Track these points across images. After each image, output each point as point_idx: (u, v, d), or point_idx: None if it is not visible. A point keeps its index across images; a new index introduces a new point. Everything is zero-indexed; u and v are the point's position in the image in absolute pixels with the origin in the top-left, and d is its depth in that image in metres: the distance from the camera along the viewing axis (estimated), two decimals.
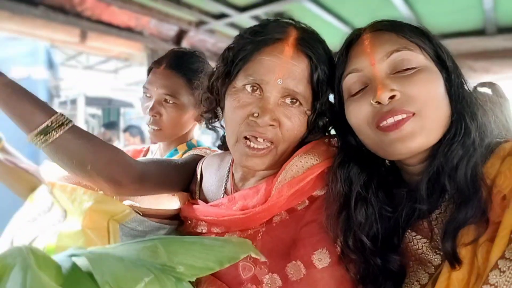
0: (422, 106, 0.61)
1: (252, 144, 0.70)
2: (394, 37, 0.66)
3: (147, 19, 1.99)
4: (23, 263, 0.30)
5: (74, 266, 0.39)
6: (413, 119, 0.61)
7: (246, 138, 0.71)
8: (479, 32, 1.90)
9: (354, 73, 0.67)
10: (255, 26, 0.75)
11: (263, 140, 0.70)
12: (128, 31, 1.98)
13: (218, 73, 0.76)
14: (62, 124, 0.71)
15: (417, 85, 0.62)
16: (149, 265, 0.37)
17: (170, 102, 1.11)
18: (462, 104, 0.65)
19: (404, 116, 0.61)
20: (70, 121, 0.73)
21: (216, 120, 0.85)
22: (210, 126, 0.90)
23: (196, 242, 0.53)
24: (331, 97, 0.79)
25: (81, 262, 0.40)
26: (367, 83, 0.66)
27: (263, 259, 0.63)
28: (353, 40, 0.71)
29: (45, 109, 0.71)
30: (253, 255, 0.53)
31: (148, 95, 1.14)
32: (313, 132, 0.76)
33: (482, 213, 0.58)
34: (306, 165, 0.73)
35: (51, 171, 0.96)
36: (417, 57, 0.64)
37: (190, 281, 0.73)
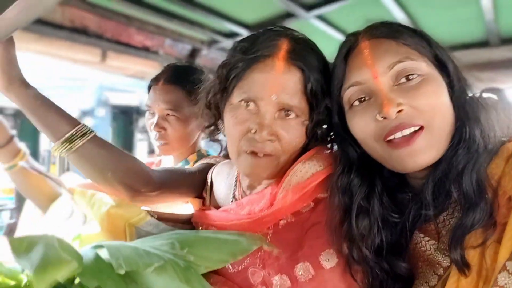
0: (430, 118, 0.60)
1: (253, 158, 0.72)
2: (394, 46, 0.64)
3: (162, 39, 2.10)
4: (47, 243, 0.34)
5: (97, 256, 0.42)
6: (423, 134, 0.60)
7: (247, 151, 0.73)
8: (483, 44, 1.91)
9: (355, 86, 0.66)
10: (244, 41, 0.76)
11: (263, 155, 0.72)
12: (144, 51, 2.09)
13: (215, 90, 0.79)
14: (85, 133, 0.77)
15: (424, 97, 0.61)
16: (162, 254, 0.41)
17: (173, 116, 1.15)
18: (465, 109, 0.63)
19: (413, 129, 0.60)
20: (92, 131, 0.79)
21: (219, 132, 0.87)
22: (213, 139, 0.93)
23: (211, 236, 0.55)
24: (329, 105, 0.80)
25: (103, 253, 0.43)
26: (370, 95, 0.65)
27: (275, 251, 0.65)
28: (350, 49, 0.68)
29: (70, 119, 0.77)
30: (265, 248, 0.55)
31: (151, 111, 1.18)
32: (314, 140, 0.77)
33: (489, 216, 0.57)
34: (310, 171, 0.74)
35: (72, 180, 1.02)
36: (419, 66, 0.62)
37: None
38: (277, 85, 0.69)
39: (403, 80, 0.63)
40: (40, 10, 0.55)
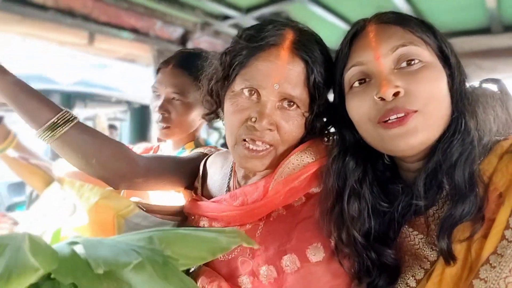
0: (425, 104, 0.61)
1: (250, 146, 0.72)
2: (400, 31, 0.64)
3: (153, 21, 2.03)
4: (16, 245, 0.32)
5: (73, 252, 0.41)
6: (416, 116, 0.61)
7: (244, 140, 0.72)
8: (485, 31, 1.89)
9: (357, 66, 0.66)
10: (250, 29, 0.75)
11: (262, 143, 0.72)
12: (134, 33, 2.02)
13: (217, 77, 0.78)
14: (68, 120, 0.74)
15: (421, 82, 0.61)
16: (140, 251, 0.39)
17: (178, 100, 1.14)
18: (463, 101, 0.64)
19: (407, 114, 0.61)
20: (75, 117, 0.75)
21: (219, 120, 0.87)
22: (213, 126, 0.92)
23: (191, 234, 0.54)
24: (331, 93, 0.79)
25: (79, 249, 0.42)
26: (370, 76, 0.65)
27: (256, 246, 0.65)
28: (357, 32, 0.69)
29: (52, 106, 0.74)
30: (245, 245, 0.55)
31: (157, 94, 1.18)
32: (312, 132, 0.77)
33: (478, 210, 0.58)
34: (302, 163, 0.75)
35: (63, 167, 0.99)
36: (422, 53, 0.63)
37: (188, 273, 0.76)
38: (280, 74, 0.69)
39: (404, 64, 0.63)
40: None
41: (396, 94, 0.61)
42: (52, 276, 0.38)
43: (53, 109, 0.73)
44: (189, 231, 0.59)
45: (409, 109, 0.61)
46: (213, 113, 0.84)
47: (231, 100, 0.74)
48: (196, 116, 1.19)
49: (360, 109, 0.66)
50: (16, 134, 0.97)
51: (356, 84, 0.67)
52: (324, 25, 1.89)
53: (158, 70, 1.20)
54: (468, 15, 1.79)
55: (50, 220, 0.92)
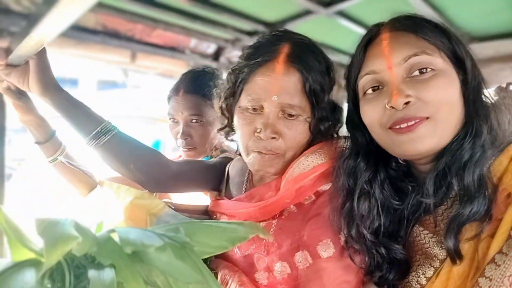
0: (436, 111, 0.62)
1: (260, 154, 0.78)
2: (413, 39, 0.65)
3: (188, 39, 2.18)
4: (63, 223, 0.41)
5: (111, 238, 0.49)
6: (426, 123, 0.62)
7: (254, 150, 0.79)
8: None
9: (370, 74, 0.68)
10: (250, 48, 0.82)
11: (268, 152, 0.78)
12: (172, 50, 2.19)
13: (226, 95, 0.85)
14: (110, 130, 0.85)
15: (433, 90, 0.62)
16: (162, 237, 0.47)
17: (197, 122, 1.21)
18: (476, 106, 0.64)
19: (417, 120, 0.62)
20: (116, 127, 0.87)
21: (234, 132, 0.94)
22: (229, 139, 0.99)
23: (213, 225, 0.61)
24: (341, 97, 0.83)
25: (115, 236, 0.50)
26: (383, 84, 0.67)
27: (271, 239, 0.70)
28: (371, 38, 0.70)
29: (96, 118, 0.86)
30: (261, 236, 0.60)
31: (174, 121, 1.25)
32: (318, 135, 0.82)
33: (486, 210, 0.59)
34: (312, 164, 0.79)
35: (103, 173, 1.11)
36: (434, 61, 0.63)
37: (211, 268, 0.83)
38: (277, 86, 0.74)
39: (416, 73, 0.64)
40: (62, 27, 0.62)
41: (407, 103, 0.63)
42: (96, 261, 0.47)
43: (98, 120, 0.85)
44: (212, 223, 0.66)
45: (420, 116, 0.62)
46: (227, 127, 0.91)
47: (239, 115, 0.81)
48: (216, 131, 1.26)
49: (372, 115, 0.68)
50: (66, 145, 1.08)
51: (370, 91, 0.69)
52: (350, 35, 1.91)
53: (169, 99, 1.26)
54: (500, 18, 1.72)
55: (93, 217, 1.03)
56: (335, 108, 0.83)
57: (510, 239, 0.55)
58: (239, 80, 0.80)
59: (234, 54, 2.47)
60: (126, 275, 0.44)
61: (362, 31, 1.89)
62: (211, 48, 2.40)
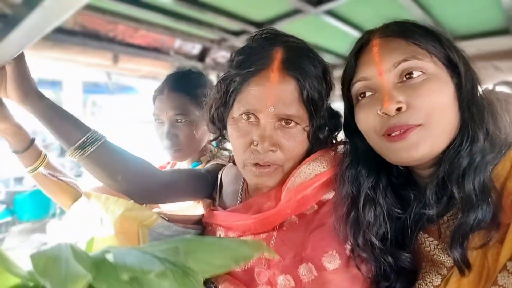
0: (428, 117, 0.61)
1: (257, 167, 0.74)
2: (403, 44, 0.64)
3: (173, 40, 2.12)
4: (64, 256, 0.36)
5: (106, 260, 0.44)
6: (418, 130, 0.61)
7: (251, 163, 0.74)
8: (502, 32, 1.84)
9: (362, 81, 0.67)
10: (240, 54, 0.76)
11: (267, 165, 0.73)
12: (155, 52, 2.12)
13: (216, 104, 0.80)
14: (96, 139, 0.79)
15: (424, 96, 0.61)
16: (164, 260, 0.42)
17: (182, 121, 1.16)
18: (471, 110, 0.63)
19: (410, 128, 0.61)
20: (103, 136, 0.81)
21: (225, 142, 0.89)
22: (221, 147, 0.94)
23: (215, 243, 0.57)
24: (336, 104, 0.80)
25: (110, 257, 0.45)
26: (375, 90, 0.66)
27: (277, 258, 0.66)
28: (363, 45, 0.70)
29: (82, 127, 0.80)
30: (267, 256, 0.57)
31: (159, 121, 1.20)
32: (318, 143, 0.78)
33: (492, 217, 0.57)
34: (314, 172, 0.76)
35: (89, 184, 1.05)
36: (425, 65, 0.63)
37: (210, 282, 0.79)
38: (273, 96, 0.70)
39: (406, 77, 0.63)
40: (43, 31, 0.57)
41: (399, 109, 0.61)
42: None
43: (83, 130, 0.79)
44: (214, 240, 0.62)
45: (411, 124, 0.61)
46: (219, 137, 0.87)
47: (232, 126, 0.76)
48: (203, 132, 1.19)
49: (366, 121, 0.67)
50: (46, 154, 1.01)
51: (363, 97, 0.68)
52: (338, 35, 1.90)
53: (154, 99, 1.21)
54: (484, 16, 1.75)
55: (79, 232, 0.97)
56: (333, 115, 0.80)
57: None
58: (231, 90, 0.75)
59: (220, 55, 2.43)
60: None
61: (350, 31, 1.87)
62: (196, 48, 2.35)
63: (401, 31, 0.67)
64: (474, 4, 1.63)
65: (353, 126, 0.73)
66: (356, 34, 1.82)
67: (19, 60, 0.75)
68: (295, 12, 1.71)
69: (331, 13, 1.73)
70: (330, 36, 1.82)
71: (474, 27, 1.87)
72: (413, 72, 0.62)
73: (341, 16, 1.77)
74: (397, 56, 0.64)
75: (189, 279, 0.43)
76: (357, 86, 0.69)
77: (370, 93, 0.67)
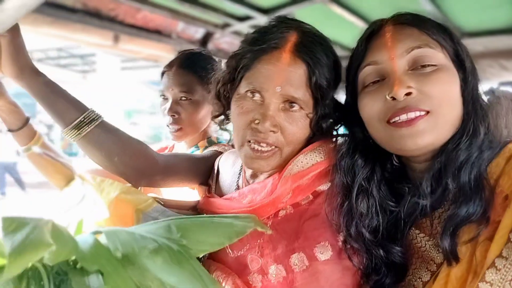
0: (437, 105, 0.61)
1: (255, 147, 0.73)
2: (416, 32, 0.65)
3: (175, 23, 2.08)
4: (37, 225, 0.35)
5: (96, 241, 0.43)
6: (426, 118, 0.61)
7: (249, 141, 0.74)
8: (511, 30, 1.81)
9: (372, 65, 0.67)
10: (255, 32, 0.76)
11: (266, 144, 0.73)
12: (157, 34, 2.08)
13: (224, 80, 0.80)
14: (93, 119, 0.78)
15: (434, 84, 0.62)
16: (157, 238, 0.42)
17: (186, 99, 1.16)
18: (475, 105, 0.64)
19: (418, 114, 0.61)
20: (100, 116, 0.79)
21: (228, 122, 0.88)
22: (223, 127, 0.94)
23: (207, 220, 0.57)
24: (339, 94, 0.79)
25: (102, 238, 0.45)
26: (384, 76, 0.66)
27: (269, 232, 0.66)
28: (373, 31, 0.70)
29: (79, 105, 0.78)
30: (260, 229, 0.56)
31: (164, 97, 1.19)
32: (319, 133, 0.77)
33: (483, 212, 0.58)
34: (311, 162, 0.76)
35: (84, 165, 1.04)
36: (437, 55, 0.63)
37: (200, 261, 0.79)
38: (282, 77, 0.70)
39: (418, 67, 0.64)
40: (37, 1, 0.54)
41: (408, 94, 0.61)
42: (78, 265, 0.41)
43: (80, 109, 0.78)
44: (205, 218, 0.62)
45: (421, 108, 0.61)
46: (222, 115, 0.86)
47: (236, 103, 0.75)
48: (205, 113, 1.20)
49: (372, 107, 0.67)
50: (41, 134, 1.00)
51: (370, 84, 0.68)
52: (345, 25, 1.87)
53: (162, 74, 1.21)
54: (494, 14, 1.72)
55: (72, 214, 0.96)
56: (338, 106, 0.80)
57: (509, 242, 0.54)
58: (241, 66, 0.74)
59: (223, 41, 2.39)
60: (116, 281, 0.39)
61: (357, 21, 1.84)
62: (199, 33, 2.31)
63: (414, 20, 0.67)
64: (483, 1, 1.60)
65: (354, 114, 0.72)
66: (362, 25, 1.79)
67: (14, 33, 0.73)
68: None
69: (338, 2, 1.69)
70: (336, 26, 1.79)
71: (482, 24, 1.84)
72: (425, 61, 0.63)
73: (348, 5, 1.74)
74: (410, 42, 0.64)
75: (183, 255, 0.42)
76: (366, 71, 0.68)
77: (378, 79, 0.67)
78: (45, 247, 0.34)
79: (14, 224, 0.36)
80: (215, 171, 0.99)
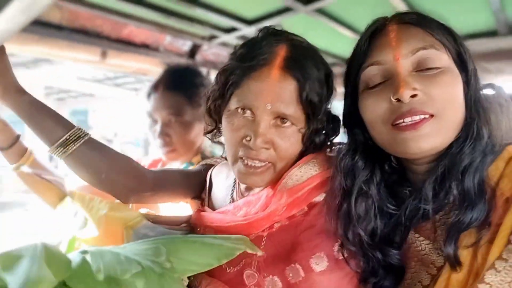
0: (442, 108, 0.61)
1: (249, 163, 0.73)
2: (421, 33, 0.64)
3: (163, 36, 2.09)
4: (33, 255, 0.35)
5: (84, 261, 0.43)
6: (431, 121, 0.61)
7: (242, 158, 0.74)
8: (491, 33, 1.86)
9: (375, 65, 0.66)
10: (243, 47, 0.76)
11: (258, 161, 0.73)
12: (145, 48, 2.09)
13: (214, 96, 0.79)
14: (79, 137, 0.77)
15: (439, 86, 0.61)
16: (142, 260, 0.41)
17: (176, 121, 1.15)
18: (477, 108, 0.64)
19: (422, 117, 0.61)
20: (87, 134, 0.79)
21: (220, 135, 0.88)
22: (215, 141, 0.94)
23: (197, 241, 0.57)
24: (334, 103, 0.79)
25: (88, 257, 0.44)
26: (387, 77, 0.65)
27: (259, 253, 0.66)
28: (376, 30, 0.68)
29: (64, 123, 0.78)
30: (249, 251, 0.56)
31: (153, 119, 1.18)
32: (312, 147, 0.78)
33: (485, 216, 0.58)
34: (306, 175, 0.75)
35: (74, 182, 1.03)
36: (441, 57, 0.63)
37: (190, 281, 0.78)
38: (272, 94, 0.69)
39: (423, 69, 0.63)
40: (21, 24, 0.54)
41: (413, 96, 0.61)
42: (66, 283, 0.41)
43: (66, 127, 0.77)
44: (196, 238, 0.61)
45: (426, 111, 0.61)
46: (214, 130, 0.86)
47: (227, 119, 0.75)
48: (198, 132, 1.19)
49: (375, 109, 0.65)
50: (32, 151, 1.00)
51: (373, 85, 0.67)
52: (330, 35, 1.90)
53: (149, 95, 1.20)
54: (473, 18, 1.77)
55: (64, 232, 0.95)
56: (332, 119, 0.80)
57: (509, 244, 0.54)
58: (230, 82, 0.74)
59: (210, 52, 2.40)
60: None
61: (342, 30, 1.86)
62: (186, 45, 2.32)
63: (419, 20, 0.66)
64: (463, 5, 1.64)
65: (353, 116, 0.71)
66: (347, 34, 1.82)
67: None
68: (285, 10, 1.70)
69: (322, 12, 1.72)
70: (321, 36, 1.81)
71: (463, 27, 1.88)
72: (430, 62, 0.62)
73: (332, 15, 1.77)
74: (416, 43, 0.63)
75: (166, 279, 0.42)
76: (369, 71, 0.67)
77: (381, 80, 0.66)
78: (48, 283, 0.34)
79: (10, 259, 0.35)
80: (208, 184, 0.98)
